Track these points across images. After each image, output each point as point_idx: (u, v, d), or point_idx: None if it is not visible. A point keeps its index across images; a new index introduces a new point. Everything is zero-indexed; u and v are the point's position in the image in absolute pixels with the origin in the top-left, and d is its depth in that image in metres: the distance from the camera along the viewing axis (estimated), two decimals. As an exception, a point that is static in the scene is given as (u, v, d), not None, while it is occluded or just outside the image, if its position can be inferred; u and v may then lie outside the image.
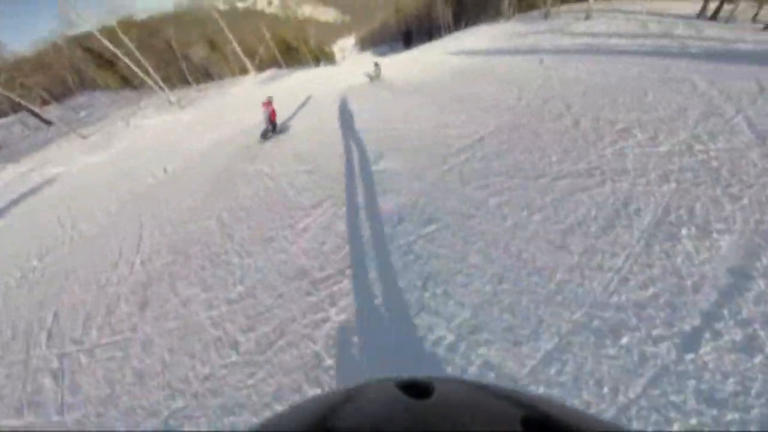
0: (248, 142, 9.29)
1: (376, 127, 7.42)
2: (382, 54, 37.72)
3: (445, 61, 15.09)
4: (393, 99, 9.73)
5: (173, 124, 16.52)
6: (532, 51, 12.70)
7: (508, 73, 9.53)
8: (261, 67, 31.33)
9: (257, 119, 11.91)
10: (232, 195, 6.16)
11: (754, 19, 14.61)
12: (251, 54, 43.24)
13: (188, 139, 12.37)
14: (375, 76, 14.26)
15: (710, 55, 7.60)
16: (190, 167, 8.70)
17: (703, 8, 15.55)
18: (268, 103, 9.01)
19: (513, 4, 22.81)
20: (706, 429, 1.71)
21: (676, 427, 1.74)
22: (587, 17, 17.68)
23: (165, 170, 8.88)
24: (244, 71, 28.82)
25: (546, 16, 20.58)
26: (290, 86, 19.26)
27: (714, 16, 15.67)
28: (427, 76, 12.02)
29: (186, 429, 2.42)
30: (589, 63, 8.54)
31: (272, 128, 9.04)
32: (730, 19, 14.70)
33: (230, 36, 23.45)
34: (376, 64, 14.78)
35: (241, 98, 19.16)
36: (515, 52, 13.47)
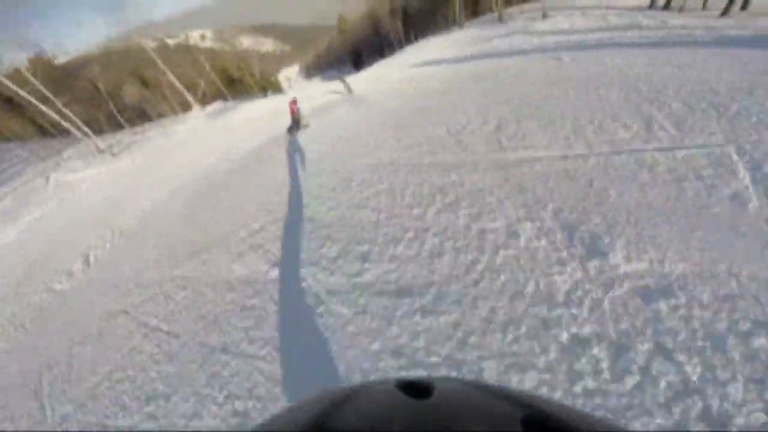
0: (209, 192, 7.08)
1: (451, 161, 4.24)
2: (331, 78, 36.50)
3: (422, 73, 13.84)
4: (406, 119, 6.82)
5: (105, 178, 13.71)
6: (515, 52, 11.82)
7: (541, 76, 6.95)
8: (204, 102, 28.73)
9: (215, 157, 9.80)
10: (212, 349, 2.96)
11: (704, 6, 14.93)
12: (191, 89, 40.37)
13: (122, 198, 9.81)
14: (347, 91, 12.79)
15: (727, 43, 6.77)
16: (125, 250, 6.01)
17: (654, -1, 15.88)
18: (294, 102, 9.87)
19: (462, 12, 22.56)
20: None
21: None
22: (544, 16, 17.52)
23: (87, 260, 6.22)
24: (186, 108, 26.11)
25: (500, 19, 20.45)
26: (248, 118, 17.14)
27: (666, 6, 15.96)
28: (416, 90, 10.46)
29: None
30: (619, 59, 7.07)
31: (296, 126, 9.59)
32: (683, 8, 14.92)
33: (165, 69, 20.91)
34: (344, 81, 13.27)
35: (188, 136, 16.70)
36: (497, 55, 12.51)
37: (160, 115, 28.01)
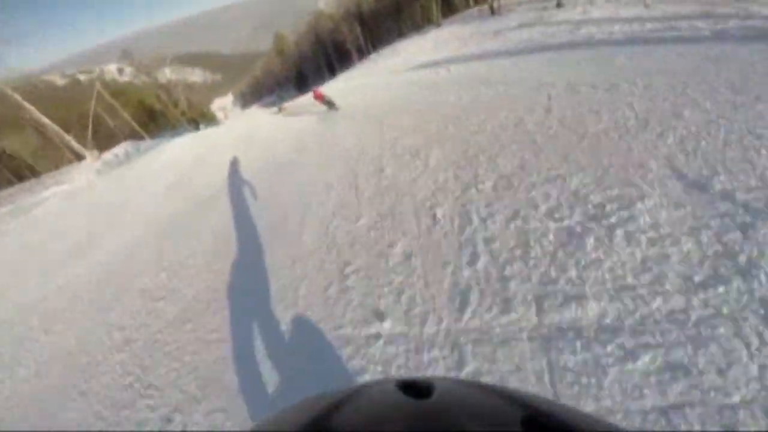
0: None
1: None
2: (271, 105, 31.21)
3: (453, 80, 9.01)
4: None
5: None
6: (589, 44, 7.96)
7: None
8: (108, 146, 21.52)
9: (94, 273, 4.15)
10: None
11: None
12: (95, 131, 32.78)
13: None
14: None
15: None
16: None
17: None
18: (317, 92, 9.89)
19: (439, 9, 18.45)
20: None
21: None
22: (559, 5, 13.77)
23: None
24: (82, 157, 18.70)
25: (493, 12, 16.60)
26: (167, 163, 11.00)
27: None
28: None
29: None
30: None
31: (331, 105, 9.40)
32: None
33: (28, 107, 13.93)
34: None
35: (65, 209, 10.09)
36: (555, 47, 8.34)
37: (47, 170, 20.13)
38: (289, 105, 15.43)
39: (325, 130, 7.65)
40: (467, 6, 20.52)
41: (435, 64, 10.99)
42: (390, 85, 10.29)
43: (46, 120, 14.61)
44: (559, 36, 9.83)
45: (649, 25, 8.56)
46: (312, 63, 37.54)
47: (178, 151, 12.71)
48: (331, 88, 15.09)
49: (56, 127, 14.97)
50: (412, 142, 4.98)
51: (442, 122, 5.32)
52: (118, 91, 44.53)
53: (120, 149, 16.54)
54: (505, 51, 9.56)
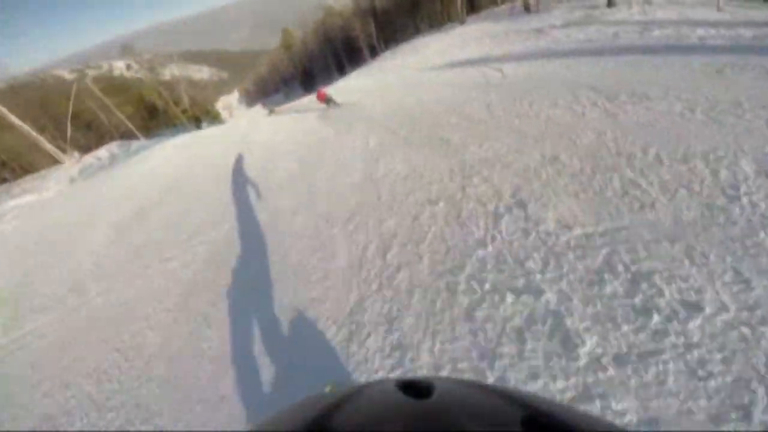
0: None
1: None
2: (278, 104, 29.58)
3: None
4: None
5: None
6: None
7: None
8: (104, 143, 19.83)
9: None
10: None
11: None
12: (88, 129, 31.47)
13: None
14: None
15: None
16: None
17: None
18: (321, 92, 9.87)
19: (464, 6, 16.54)
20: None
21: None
22: (610, 4, 11.86)
23: None
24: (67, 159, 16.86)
25: (528, 9, 14.66)
26: (154, 171, 9.18)
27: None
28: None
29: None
30: None
31: (330, 103, 9.52)
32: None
33: (1, 109, 12.13)
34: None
35: (19, 231, 8.28)
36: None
37: (32, 171, 18.44)
38: (282, 107, 13.94)
39: (351, 157, 5.34)
40: (494, 3, 18.63)
41: (473, 62, 9.11)
42: (426, 86, 8.32)
43: (15, 119, 12.83)
44: (626, 37, 8.01)
45: (747, 32, 6.51)
46: (320, 60, 35.73)
47: (169, 153, 10.86)
48: (344, 87, 13.22)
49: (27, 127, 13.18)
50: (576, 228, 2.39)
51: (593, 159, 2.94)
52: (121, 87, 43.13)
53: (104, 151, 14.72)
54: (566, 51, 7.65)
